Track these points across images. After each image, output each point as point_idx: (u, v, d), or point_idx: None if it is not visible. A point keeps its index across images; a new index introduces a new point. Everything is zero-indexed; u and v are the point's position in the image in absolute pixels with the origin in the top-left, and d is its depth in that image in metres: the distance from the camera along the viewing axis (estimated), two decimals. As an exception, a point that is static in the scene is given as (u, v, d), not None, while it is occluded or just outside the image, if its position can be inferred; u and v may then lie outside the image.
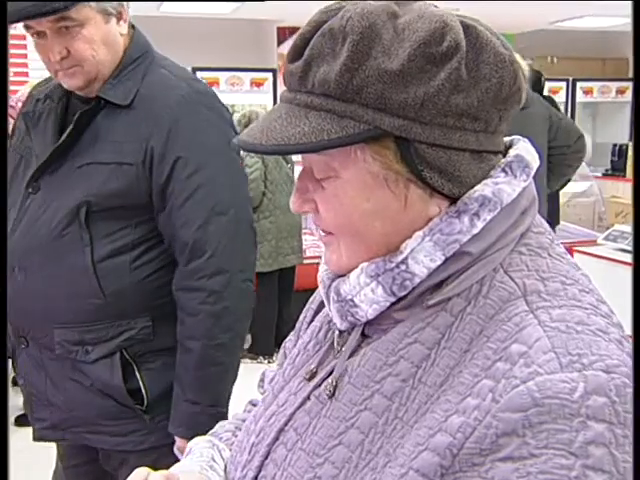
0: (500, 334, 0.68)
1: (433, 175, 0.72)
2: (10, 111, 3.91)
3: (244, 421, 1.02)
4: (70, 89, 1.63)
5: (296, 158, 4.79)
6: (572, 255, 3.88)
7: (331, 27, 0.71)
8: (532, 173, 0.78)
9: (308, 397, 0.82)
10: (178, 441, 1.62)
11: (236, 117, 4.98)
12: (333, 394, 0.78)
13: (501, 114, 0.74)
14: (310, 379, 0.83)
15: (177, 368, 1.63)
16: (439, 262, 0.73)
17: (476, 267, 0.73)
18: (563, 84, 8.12)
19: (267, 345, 4.85)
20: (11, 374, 3.47)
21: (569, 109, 8.21)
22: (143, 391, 1.65)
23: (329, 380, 0.79)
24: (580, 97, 8.37)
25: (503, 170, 0.76)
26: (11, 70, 6.89)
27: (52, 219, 1.60)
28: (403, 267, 0.74)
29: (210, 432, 1.04)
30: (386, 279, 0.74)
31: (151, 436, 1.67)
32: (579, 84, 8.27)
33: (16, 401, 3.82)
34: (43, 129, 1.67)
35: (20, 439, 3.37)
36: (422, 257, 0.73)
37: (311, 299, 1.01)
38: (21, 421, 3.68)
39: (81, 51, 1.54)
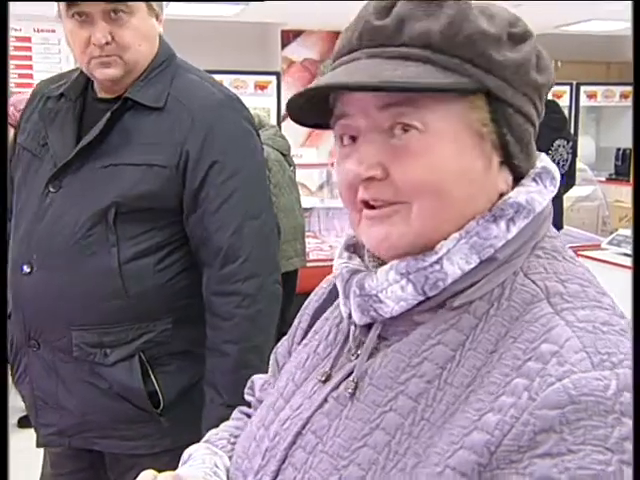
0: (528, 335, 0.69)
1: (514, 142, 0.75)
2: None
3: (237, 428, 1.02)
4: (104, 78, 1.60)
5: (297, 161, 4.79)
6: (576, 259, 3.86)
7: None
8: (557, 184, 0.80)
9: (325, 399, 0.81)
10: None
11: None
12: (353, 395, 0.78)
13: (542, 107, 0.80)
14: (325, 381, 0.83)
15: (210, 373, 1.64)
16: (473, 265, 0.74)
17: (498, 271, 0.75)
18: (567, 88, 8.13)
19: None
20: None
21: (573, 113, 8.21)
22: (159, 394, 1.64)
23: (349, 381, 0.79)
24: (584, 101, 8.37)
25: (534, 180, 0.78)
26: (16, 72, 6.91)
27: (77, 219, 1.58)
28: (437, 267, 0.74)
29: (203, 440, 1.02)
30: (418, 277, 0.75)
31: (164, 440, 1.66)
32: (583, 88, 8.27)
33: (19, 402, 3.83)
34: (60, 127, 1.65)
35: (22, 440, 3.38)
36: (458, 259, 0.74)
37: (305, 305, 1.01)
38: (24, 422, 3.69)
39: (126, 39, 1.54)
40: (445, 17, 0.72)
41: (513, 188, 0.78)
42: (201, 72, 1.74)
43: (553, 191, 0.80)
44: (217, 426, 1.57)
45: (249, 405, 1.09)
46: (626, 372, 0.65)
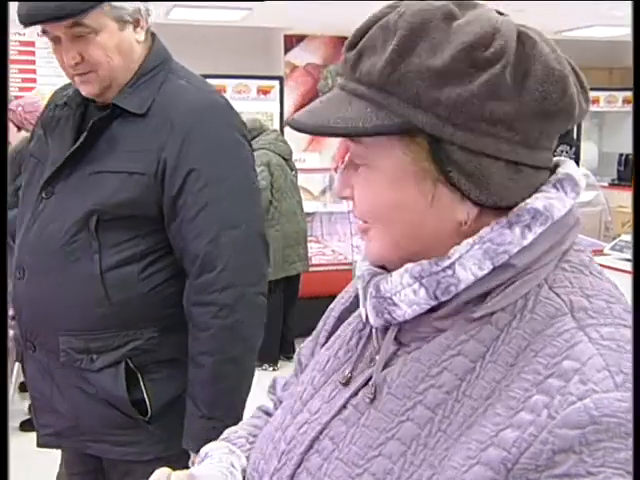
0: (550, 349, 0.68)
1: (460, 178, 0.72)
2: (10, 115, 3.93)
3: (256, 427, 1.02)
4: (86, 95, 1.63)
5: (299, 165, 4.79)
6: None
7: (387, 20, 0.72)
8: (581, 192, 0.78)
9: (344, 406, 0.81)
10: (193, 457, 1.60)
11: None
12: (372, 403, 0.77)
13: (543, 129, 0.73)
14: (345, 384, 0.83)
15: (190, 384, 1.61)
16: (487, 271, 0.73)
17: (520, 282, 0.73)
18: (569, 93, 8.11)
19: (272, 352, 4.85)
20: (19, 379, 3.48)
21: (576, 118, 8.19)
22: (147, 402, 1.64)
23: (368, 388, 0.79)
24: (587, 106, 8.36)
25: (554, 186, 0.76)
26: (19, 76, 6.93)
27: (63, 225, 1.60)
28: (450, 272, 0.74)
29: (221, 437, 1.03)
30: (430, 282, 0.74)
31: (155, 446, 1.66)
32: (586, 94, 8.26)
33: (22, 406, 3.84)
34: (60, 135, 1.67)
35: (24, 443, 3.38)
36: (470, 264, 0.73)
37: (331, 306, 1.00)
38: (26, 426, 3.69)
39: (95, 57, 1.54)
40: (387, 53, 0.70)
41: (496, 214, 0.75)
42: (193, 77, 1.69)
43: (575, 198, 0.77)
44: (199, 439, 1.57)
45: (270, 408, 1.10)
46: None
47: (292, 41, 7.90)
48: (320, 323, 1.00)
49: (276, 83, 7.47)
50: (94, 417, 1.66)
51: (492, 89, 0.69)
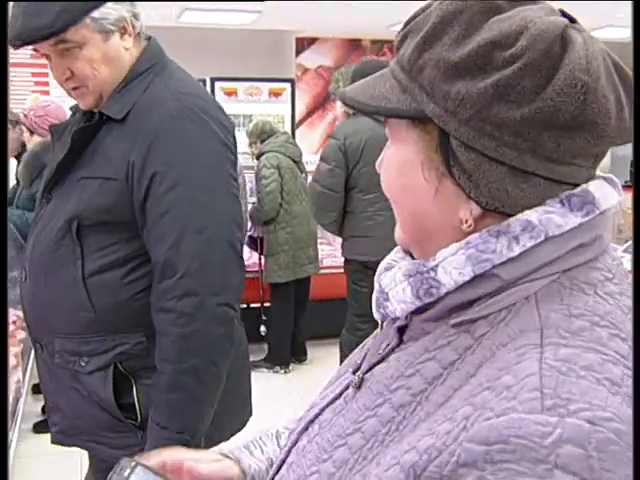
0: (500, 363, 0.65)
1: (461, 175, 0.71)
2: (23, 119, 3.96)
3: None
4: (83, 108, 1.65)
5: (310, 168, 4.79)
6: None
7: (433, 5, 0.73)
8: (597, 211, 0.72)
9: (340, 395, 0.84)
10: None
11: (250, 126, 5.00)
12: (355, 394, 0.80)
13: (560, 141, 0.68)
14: (354, 372, 0.84)
15: (152, 390, 1.60)
16: (467, 278, 0.71)
17: (507, 292, 0.71)
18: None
19: (283, 355, 4.85)
20: (33, 381, 3.50)
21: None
22: (137, 406, 1.64)
23: (354, 381, 0.82)
24: (599, 108, 8.33)
25: (561, 201, 0.71)
26: (32, 80, 6.97)
27: (52, 230, 1.63)
28: (432, 274, 0.73)
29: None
30: (415, 281, 0.75)
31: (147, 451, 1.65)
32: (598, 95, 8.24)
33: (35, 408, 3.85)
34: (63, 141, 1.68)
35: (36, 444, 3.40)
36: (451, 268, 0.72)
37: None
38: (39, 428, 3.70)
39: (82, 70, 1.55)
40: (417, 39, 0.72)
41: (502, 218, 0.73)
42: (175, 79, 1.66)
43: (585, 216, 0.72)
44: (158, 447, 1.56)
45: None
46: (579, 424, 0.58)
47: (303, 44, 7.91)
48: None
49: (287, 86, 7.49)
50: (90, 418, 1.68)
51: (502, 91, 0.66)
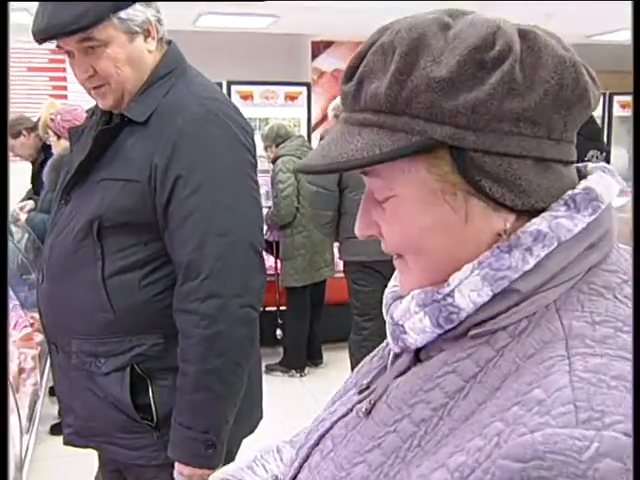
0: (528, 377, 0.64)
1: (492, 185, 0.69)
2: (50, 123, 3.98)
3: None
4: (103, 107, 1.66)
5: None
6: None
7: (382, 43, 0.71)
8: (602, 206, 0.73)
9: (351, 409, 0.82)
10: (176, 465, 1.60)
11: (265, 130, 5.00)
12: (370, 411, 0.77)
13: (566, 120, 0.70)
14: (361, 392, 0.83)
15: (176, 391, 1.61)
16: (486, 298, 0.70)
17: (525, 303, 0.70)
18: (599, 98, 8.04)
19: (298, 359, 4.85)
20: (50, 383, 3.51)
21: (606, 123, 8.12)
22: (153, 407, 1.64)
23: (369, 397, 0.79)
24: (617, 111, 8.28)
25: (565, 203, 0.71)
26: (50, 84, 7.02)
27: (72, 232, 1.63)
28: (450, 300, 0.71)
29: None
30: (433, 310, 0.73)
31: (162, 452, 1.65)
32: (616, 98, 8.19)
33: (52, 410, 3.87)
34: (83, 143, 1.69)
35: (52, 447, 3.41)
36: (469, 291, 0.70)
37: None
38: (56, 430, 3.72)
39: (105, 69, 1.57)
40: (390, 73, 0.68)
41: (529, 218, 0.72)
42: (197, 84, 1.67)
43: (591, 214, 0.71)
44: (179, 449, 1.57)
45: None
46: (616, 437, 0.57)
47: (319, 47, 7.91)
48: None
49: (303, 89, 7.49)
50: (104, 419, 1.68)
51: (507, 87, 0.67)
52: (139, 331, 1.62)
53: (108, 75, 1.57)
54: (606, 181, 0.75)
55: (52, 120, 3.97)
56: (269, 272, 4.65)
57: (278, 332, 4.79)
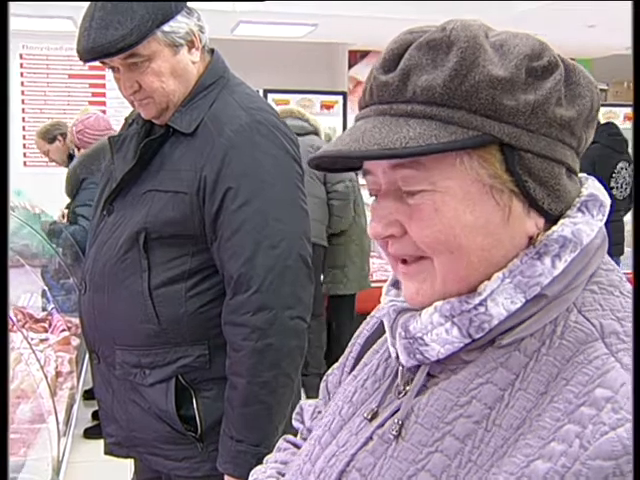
0: (581, 377, 0.66)
1: (536, 187, 0.71)
2: (70, 137, 4.00)
3: (284, 463, 1.01)
4: (146, 118, 1.67)
5: (362, 181, 4.77)
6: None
7: (430, 39, 0.71)
8: (606, 211, 0.76)
9: (371, 437, 0.79)
10: (226, 478, 1.60)
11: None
12: (399, 434, 0.75)
13: (587, 136, 0.75)
14: (372, 419, 0.81)
15: (225, 403, 1.60)
16: (519, 305, 0.71)
17: (549, 307, 0.72)
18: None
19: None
20: (85, 387, 3.55)
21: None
22: (197, 419, 1.64)
23: (394, 419, 0.77)
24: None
25: (579, 210, 0.74)
26: (90, 90, 7.12)
27: (117, 242, 1.63)
28: (482, 309, 0.72)
29: (250, 478, 1.03)
30: (463, 320, 0.72)
31: (204, 464, 1.66)
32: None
33: (86, 414, 3.91)
34: (125, 153, 1.70)
35: (84, 451, 3.44)
36: (502, 299, 0.71)
37: (357, 332, 0.99)
38: (89, 433, 3.75)
39: (150, 84, 1.57)
40: (449, 67, 0.69)
41: (549, 225, 0.74)
42: (243, 93, 1.67)
43: (602, 219, 0.75)
44: (229, 461, 1.57)
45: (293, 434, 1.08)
46: None
47: (356, 57, 7.93)
48: (347, 350, 0.98)
49: (339, 98, 7.51)
50: (148, 430, 1.68)
51: (557, 95, 0.70)
52: (184, 342, 1.62)
53: (153, 89, 1.58)
54: (600, 187, 0.78)
55: (70, 132, 3.99)
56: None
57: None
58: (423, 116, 0.70)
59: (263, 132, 1.58)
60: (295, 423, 1.08)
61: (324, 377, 1.04)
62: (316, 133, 4.46)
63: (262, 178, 1.56)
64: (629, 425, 0.61)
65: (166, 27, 1.54)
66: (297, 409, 1.09)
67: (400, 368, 0.81)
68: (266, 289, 1.53)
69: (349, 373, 0.94)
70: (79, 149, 3.99)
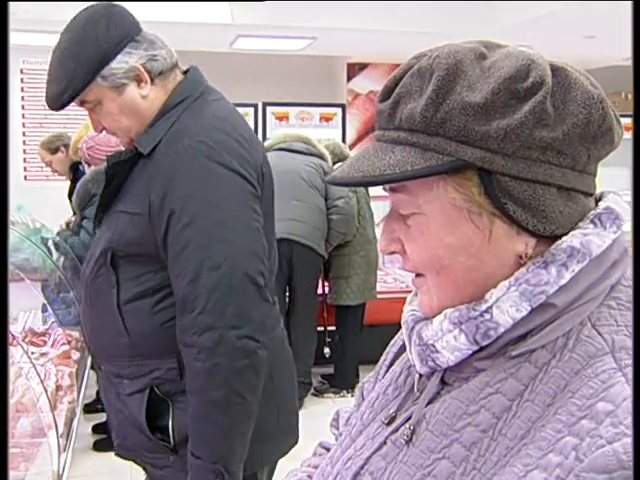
0: (586, 390, 0.67)
1: (517, 209, 0.71)
2: (80, 154, 4.01)
3: (316, 467, 1.02)
4: (124, 147, 1.74)
5: (373, 192, 4.76)
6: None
7: (419, 67, 0.74)
8: (623, 225, 0.77)
9: (385, 442, 0.81)
10: None
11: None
12: (410, 440, 0.77)
13: (590, 153, 0.73)
14: (389, 424, 0.83)
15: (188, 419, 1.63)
16: (525, 313, 0.72)
17: (562, 319, 0.72)
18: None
19: (351, 379, 4.77)
20: (85, 401, 3.54)
21: None
22: (171, 430, 1.67)
23: (407, 425, 0.78)
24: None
25: (592, 222, 0.74)
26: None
27: (94, 258, 1.71)
28: (487, 316, 0.73)
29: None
30: (469, 327, 0.74)
31: (182, 474, 1.66)
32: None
33: (86, 427, 3.89)
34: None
35: (88, 465, 3.43)
36: (508, 307, 0.72)
37: (392, 342, 1.00)
38: (98, 446, 3.73)
39: (110, 124, 1.66)
40: (426, 94, 0.72)
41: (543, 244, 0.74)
42: (209, 113, 1.66)
43: (616, 232, 0.75)
44: (193, 475, 1.58)
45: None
46: None
47: (354, 69, 7.97)
48: (382, 358, 1.00)
49: (338, 110, 7.53)
50: (131, 438, 1.73)
51: (538, 116, 0.70)
52: (154, 355, 1.66)
53: (112, 128, 1.66)
54: (622, 203, 0.78)
55: (80, 149, 4.00)
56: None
57: (326, 350, 4.78)
58: (406, 143, 0.73)
59: (208, 153, 1.58)
60: (331, 429, 1.11)
61: (360, 384, 1.06)
62: (321, 157, 4.50)
63: (205, 199, 1.56)
64: (627, 440, 0.61)
65: (105, 71, 1.58)
66: (334, 415, 1.12)
67: (417, 375, 0.84)
68: (210, 309, 1.53)
69: (381, 380, 0.96)
70: (89, 165, 4.01)
